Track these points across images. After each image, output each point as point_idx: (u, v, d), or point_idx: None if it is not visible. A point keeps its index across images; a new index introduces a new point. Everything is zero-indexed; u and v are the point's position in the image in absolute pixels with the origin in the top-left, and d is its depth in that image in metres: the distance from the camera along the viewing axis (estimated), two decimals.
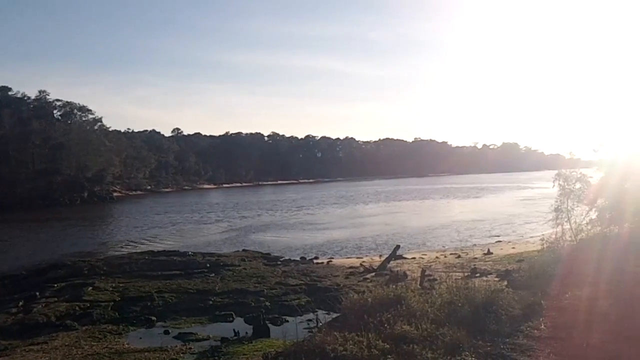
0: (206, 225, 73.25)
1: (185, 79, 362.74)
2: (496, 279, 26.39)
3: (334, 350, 10.24)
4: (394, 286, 15.69)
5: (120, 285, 30.04)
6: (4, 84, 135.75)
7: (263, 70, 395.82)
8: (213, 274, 32.23)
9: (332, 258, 41.53)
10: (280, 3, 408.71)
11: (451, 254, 40.74)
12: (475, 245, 46.37)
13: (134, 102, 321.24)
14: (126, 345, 20.33)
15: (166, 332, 21.94)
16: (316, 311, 23.84)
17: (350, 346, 10.41)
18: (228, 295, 27.37)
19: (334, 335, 10.89)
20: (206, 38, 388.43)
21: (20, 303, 27.44)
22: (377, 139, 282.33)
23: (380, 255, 40.26)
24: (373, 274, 32.52)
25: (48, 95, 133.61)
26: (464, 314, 12.35)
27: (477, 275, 28.89)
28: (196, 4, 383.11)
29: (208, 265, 34.83)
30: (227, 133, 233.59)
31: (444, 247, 47.62)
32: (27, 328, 23.28)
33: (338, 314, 14.91)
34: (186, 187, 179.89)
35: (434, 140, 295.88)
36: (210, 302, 26.15)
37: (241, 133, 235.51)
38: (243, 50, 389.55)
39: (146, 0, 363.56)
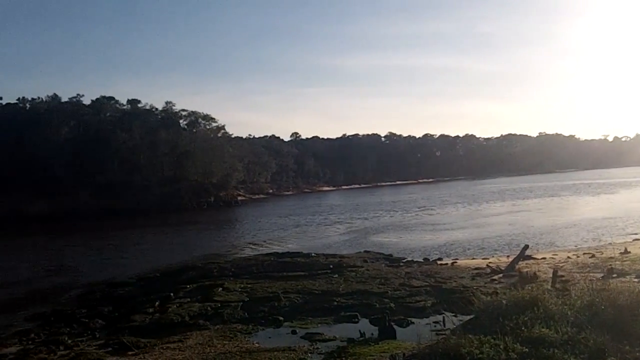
0: (327, 226, 74.24)
1: (299, 84, 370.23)
2: (635, 279, 24.54)
3: (470, 354, 9.92)
4: (529, 287, 15.01)
5: (248, 286, 31.05)
6: (134, 97, 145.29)
7: (375, 72, 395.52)
8: (336, 275, 32.50)
9: (457, 259, 40.53)
10: (385, 3, 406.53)
11: (584, 253, 38.39)
12: (610, 244, 43.54)
13: (252, 109, 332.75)
14: (256, 345, 20.94)
15: (293, 332, 22.37)
16: (442, 313, 23.37)
17: (487, 349, 10.04)
18: (352, 296, 27.46)
19: (469, 338, 10.55)
20: (315, 43, 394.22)
21: (157, 303, 29.14)
22: (498, 135, 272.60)
23: (508, 256, 38.79)
24: (501, 275, 31.37)
25: (174, 105, 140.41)
26: (606, 317, 11.54)
27: (615, 275, 27.05)
28: (302, 10, 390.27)
29: (331, 266, 35.18)
30: (344, 135, 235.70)
31: (575, 246, 45.14)
32: (163, 327, 24.65)
33: (469, 317, 14.47)
34: (306, 190, 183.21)
35: (561, 134, 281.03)
36: (335, 303, 26.36)
37: (358, 135, 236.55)
38: (354, 54, 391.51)
39: (257, 11, 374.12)
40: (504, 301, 12.66)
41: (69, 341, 23.73)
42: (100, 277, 42.76)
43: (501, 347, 10.19)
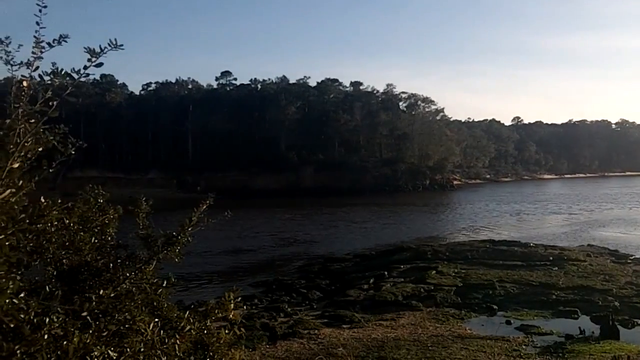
0: (547, 216, 70.88)
1: (522, 66, 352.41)
2: None
3: None
4: None
5: (462, 271, 30.85)
6: (356, 79, 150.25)
7: (607, 54, 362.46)
8: (556, 268, 30.90)
9: None
10: None
11: None
12: None
13: (473, 92, 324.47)
14: (468, 331, 20.83)
15: (508, 322, 21.82)
16: None
17: None
18: (572, 291, 25.98)
19: None
20: (540, 24, 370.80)
21: (371, 281, 30.28)
22: None
23: None
24: None
25: (394, 87, 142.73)
26: None
27: None
28: None
29: (551, 258, 33.49)
30: (570, 121, 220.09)
31: None
32: (377, 304, 25.57)
33: None
34: (525, 177, 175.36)
35: None
36: (554, 297, 25.15)
37: (585, 121, 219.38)
38: (582, 34, 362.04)
39: None
40: None
41: (289, 309, 25.76)
42: (319, 251, 45.59)
43: None
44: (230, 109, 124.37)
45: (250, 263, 40.86)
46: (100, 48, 2.84)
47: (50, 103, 2.68)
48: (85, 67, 2.82)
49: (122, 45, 2.89)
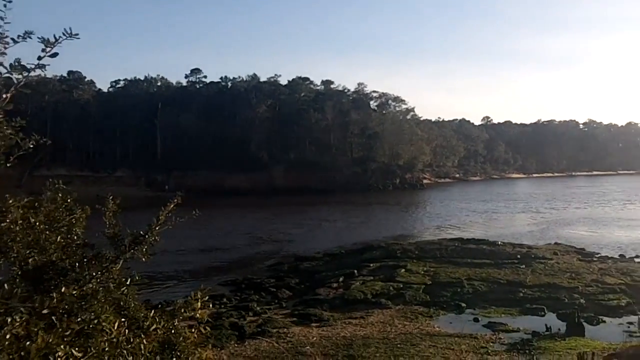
0: (515, 215, 71.93)
1: (490, 66, 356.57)
2: None
3: None
4: None
5: (431, 269, 31.18)
6: (327, 78, 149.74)
7: (577, 55, 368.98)
8: (523, 266, 31.42)
9: None
10: None
11: None
12: None
13: (443, 91, 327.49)
14: (436, 328, 21.09)
15: (476, 320, 22.15)
16: (638, 314, 21.74)
17: None
18: (539, 289, 26.49)
19: None
20: (515, 24, 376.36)
21: (341, 279, 30.41)
22: None
23: None
24: None
25: (365, 87, 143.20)
26: None
27: None
28: None
29: (518, 256, 34.03)
30: (538, 121, 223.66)
31: None
32: (347, 302, 25.73)
33: None
34: (494, 176, 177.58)
35: None
36: (521, 294, 25.61)
37: (554, 121, 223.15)
38: (550, 34, 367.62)
39: None
40: None
41: (258, 308, 25.77)
42: (290, 249, 45.59)
43: None
44: (200, 107, 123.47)
45: (220, 262, 40.69)
46: (55, 37, 2.81)
47: (4, 96, 2.65)
48: (40, 58, 2.79)
49: (77, 34, 2.86)
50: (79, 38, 2.88)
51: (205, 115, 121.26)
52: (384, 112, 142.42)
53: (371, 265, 33.43)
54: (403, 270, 30.96)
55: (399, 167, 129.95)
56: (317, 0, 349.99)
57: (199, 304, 3.83)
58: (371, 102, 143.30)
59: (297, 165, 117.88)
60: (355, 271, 31.79)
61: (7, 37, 2.72)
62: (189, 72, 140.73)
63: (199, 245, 46.08)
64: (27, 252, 3.23)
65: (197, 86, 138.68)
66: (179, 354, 3.66)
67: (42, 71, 2.87)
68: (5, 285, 2.78)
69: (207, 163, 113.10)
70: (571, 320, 19.90)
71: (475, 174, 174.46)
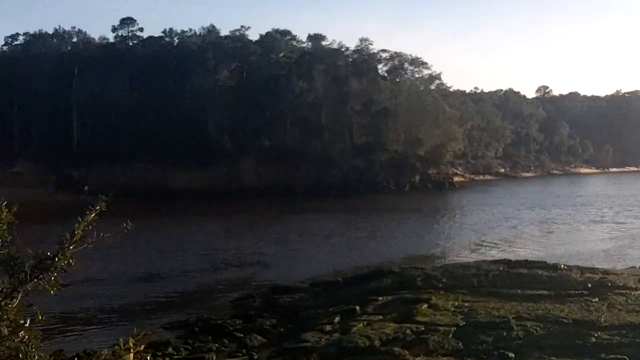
0: (584, 226, 72.71)
1: (548, 16, 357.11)
2: None
3: None
4: None
5: (465, 304, 31.22)
6: (317, 32, 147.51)
7: None
8: (596, 299, 31.48)
9: None
10: None
11: None
12: None
13: (480, 52, 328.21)
14: None
15: None
16: None
17: None
18: (619, 331, 26.54)
19: None
20: None
21: (337, 319, 30.37)
22: None
23: None
24: None
25: (371, 44, 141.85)
26: None
27: None
28: None
29: (589, 285, 34.07)
30: (617, 92, 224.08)
31: None
32: (345, 352, 25.70)
33: None
34: (555, 171, 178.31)
35: None
36: (593, 339, 25.66)
37: (638, 92, 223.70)
38: None
39: None
40: None
41: None
42: (264, 276, 45.63)
43: None
44: (134, 73, 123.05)
45: (164, 295, 40.56)
46: None
47: None
48: None
49: None
50: None
51: (141, 84, 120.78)
52: (398, 80, 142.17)
53: (380, 298, 33.47)
54: (425, 305, 31.00)
55: (420, 159, 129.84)
56: None
57: (131, 355, 3.82)
58: (379, 66, 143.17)
59: (273, 155, 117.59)
60: (358, 307, 31.77)
61: None
62: (118, 23, 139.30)
63: (133, 271, 45.97)
64: None
65: (130, 43, 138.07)
66: None
67: None
68: None
69: (145, 153, 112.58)
70: None
71: (527, 168, 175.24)
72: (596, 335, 26.15)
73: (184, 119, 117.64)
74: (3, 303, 3.50)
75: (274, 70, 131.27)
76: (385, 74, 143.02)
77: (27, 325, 3.59)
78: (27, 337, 3.55)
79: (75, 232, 3.76)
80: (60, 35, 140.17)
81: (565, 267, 39.69)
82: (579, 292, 33.00)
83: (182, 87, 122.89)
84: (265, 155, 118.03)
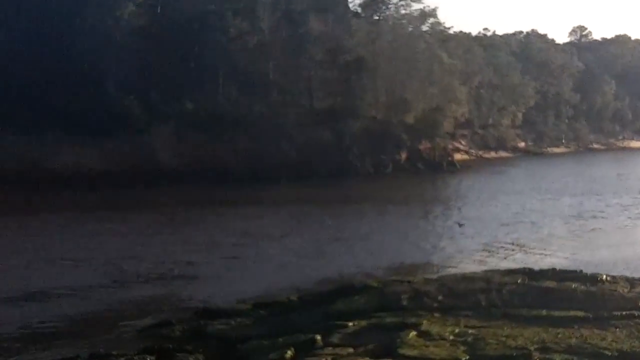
0: (635, 221, 73.59)
1: None
2: None
3: None
4: None
5: (469, 331, 31.25)
6: None
7: None
8: None
9: None
10: None
11: None
12: None
13: None
14: None
15: None
16: None
17: None
18: None
19: None
20: None
21: (289, 353, 30.31)
22: None
23: None
24: None
25: None
26: None
27: None
28: None
29: None
30: None
31: None
32: None
33: None
34: (596, 145, 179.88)
35: None
36: None
37: None
38: None
39: None
40: None
41: None
42: (186, 295, 45.53)
43: None
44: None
45: (49, 321, 40.07)
46: None
47: None
48: None
49: None
50: None
51: (5, 20, 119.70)
52: (377, 17, 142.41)
53: (350, 324, 33.38)
54: (413, 333, 31.00)
55: (407, 129, 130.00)
56: None
57: None
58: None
59: (199, 124, 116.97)
60: (319, 337, 31.71)
61: None
62: None
63: (3, 289, 45.53)
64: None
65: None
66: None
67: None
68: None
69: (14, 120, 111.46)
70: None
71: (557, 142, 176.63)
72: None
73: (72, 73, 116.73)
74: None
75: (200, 3, 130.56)
76: (359, 9, 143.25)
77: None
78: None
79: None
80: None
81: (608, 278, 39.95)
82: (628, 312, 33.28)
83: (67, 27, 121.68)
84: (188, 125, 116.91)
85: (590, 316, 32.90)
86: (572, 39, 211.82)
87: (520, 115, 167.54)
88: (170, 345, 33.86)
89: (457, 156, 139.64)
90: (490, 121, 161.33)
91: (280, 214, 77.82)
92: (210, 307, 40.99)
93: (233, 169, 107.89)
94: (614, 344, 29.26)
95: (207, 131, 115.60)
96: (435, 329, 31.69)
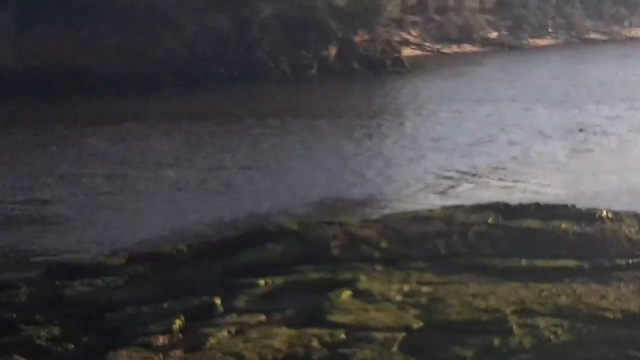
0: (638, 138, 74.00)
1: None
2: None
3: None
4: None
5: (423, 288, 31.37)
6: None
7: None
8: None
9: None
10: None
11: None
12: None
13: None
14: None
15: None
16: None
17: None
18: None
19: None
20: None
21: (177, 323, 30.21)
22: None
23: None
24: None
25: None
26: None
27: None
28: None
29: None
30: None
31: None
32: None
33: None
34: (594, 36, 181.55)
35: None
36: None
37: None
38: None
39: None
40: None
41: None
42: (37, 247, 45.48)
43: None
44: None
45: None
46: None
47: None
48: None
49: None
50: None
51: None
52: None
53: (261, 282, 33.38)
54: (347, 293, 31.03)
55: (337, 16, 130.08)
56: None
57: None
58: None
59: (46, 10, 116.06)
60: (218, 301, 31.69)
61: None
62: None
63: None
64: None
65: None
66: None
67: None
68: None
69: None
70: None
71: (541, 32, 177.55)
72: None
73: None
74: None
75: None
76: None
77: None
78: None
79: None
80: None
81: (610, 215, 40.17)
82: (636, 261, 33.63)
83: None
84: (32, 11, 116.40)
85: (586, 266, 33.00)
86: None
87: None
88: (14, 315, 33.60)
89: (406, 51, 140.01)
90: (451, 2, 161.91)
91: (164, 134, 77.77)
92: (69, 261, 40.88)
93: (96, 71, 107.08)
94: (617, 302, 29.30)
95: (56, 20, 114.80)
96: (377, 288, 31.63)
